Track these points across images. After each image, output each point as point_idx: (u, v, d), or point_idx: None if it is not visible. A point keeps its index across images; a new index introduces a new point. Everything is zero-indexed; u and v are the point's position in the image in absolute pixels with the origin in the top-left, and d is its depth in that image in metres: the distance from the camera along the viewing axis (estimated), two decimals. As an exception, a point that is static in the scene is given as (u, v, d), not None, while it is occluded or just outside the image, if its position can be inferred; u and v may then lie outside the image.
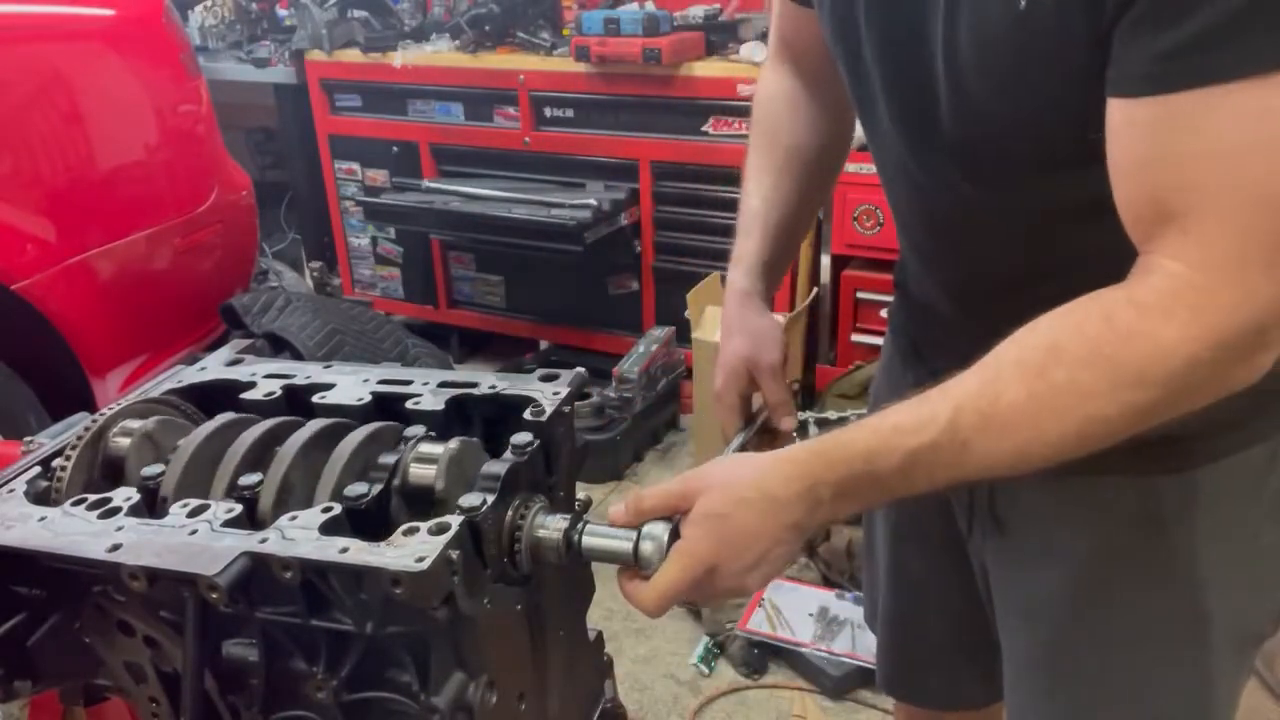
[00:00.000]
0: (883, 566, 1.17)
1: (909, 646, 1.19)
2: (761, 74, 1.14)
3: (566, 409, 0.85)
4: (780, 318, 1.08)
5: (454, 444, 0.78)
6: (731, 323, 1.05)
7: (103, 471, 0.83)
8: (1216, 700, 0.92)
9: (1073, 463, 0.88)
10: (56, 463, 0.82)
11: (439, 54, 3.30)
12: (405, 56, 3.32)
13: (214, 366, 0.98)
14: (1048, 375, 0.68)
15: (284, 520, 0.69)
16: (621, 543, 0.77)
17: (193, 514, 0.72)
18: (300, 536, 0.68)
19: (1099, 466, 0.86)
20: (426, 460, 0.78)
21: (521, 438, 0.78)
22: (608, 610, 2.33)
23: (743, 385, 1.03)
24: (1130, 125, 0.66)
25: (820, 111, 1.09)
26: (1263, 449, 0.86)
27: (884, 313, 1.09)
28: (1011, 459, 0.71)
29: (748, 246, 1.08)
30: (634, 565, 0.77)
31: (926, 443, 0.71)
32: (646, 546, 0.76)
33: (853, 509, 0.78)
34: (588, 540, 0.77)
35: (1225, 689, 0.93)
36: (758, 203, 1.08)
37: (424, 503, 0.77)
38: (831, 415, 2.45)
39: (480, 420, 0.89)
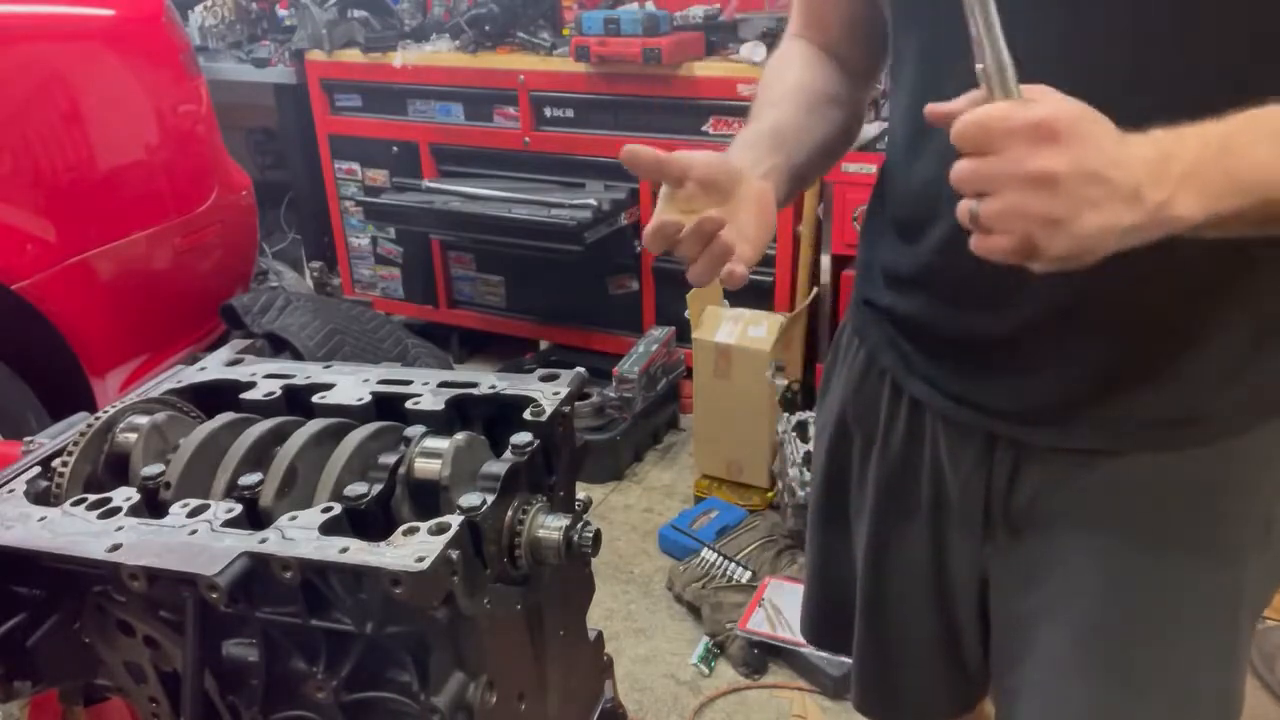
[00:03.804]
0: (860, 593, 1.16)
1: (887, 672, 1.18)
2: (778, 47, 1.09)
3: (566, 409, 0.85)
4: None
5: (460, 437, 0.78)
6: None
7: (107, 467, 0.83)
8: (1239, 678, 0.92)
9: (1102, 438, 0.87)
10: (57, 462, 0.82)
11: (439, 54, 3.30)
12: (405, 56, 3.32)
13: (214, 366, 0.98)
14: None
15: (284, 520, 0.70)
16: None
17: (193, 514, 0.72)
18: (300, 536, 0.68)
19: (1129, 442, 0.86)
20: (432, 455, 0.78)
21: (521, 438, 0.78)
22: (608, 610, 2.34)
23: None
24: None
25: (846, 78, 1.05)
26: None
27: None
28: None
29: (775, 160, 0.89)
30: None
31: None
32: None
33: (1198, 201, 0.64)
34: None
35: (1245, 666, 0.93)
36: (773, 121, 0.93)
37: (429, 497, 0.77)
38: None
39: (480, 420, 0.89)
